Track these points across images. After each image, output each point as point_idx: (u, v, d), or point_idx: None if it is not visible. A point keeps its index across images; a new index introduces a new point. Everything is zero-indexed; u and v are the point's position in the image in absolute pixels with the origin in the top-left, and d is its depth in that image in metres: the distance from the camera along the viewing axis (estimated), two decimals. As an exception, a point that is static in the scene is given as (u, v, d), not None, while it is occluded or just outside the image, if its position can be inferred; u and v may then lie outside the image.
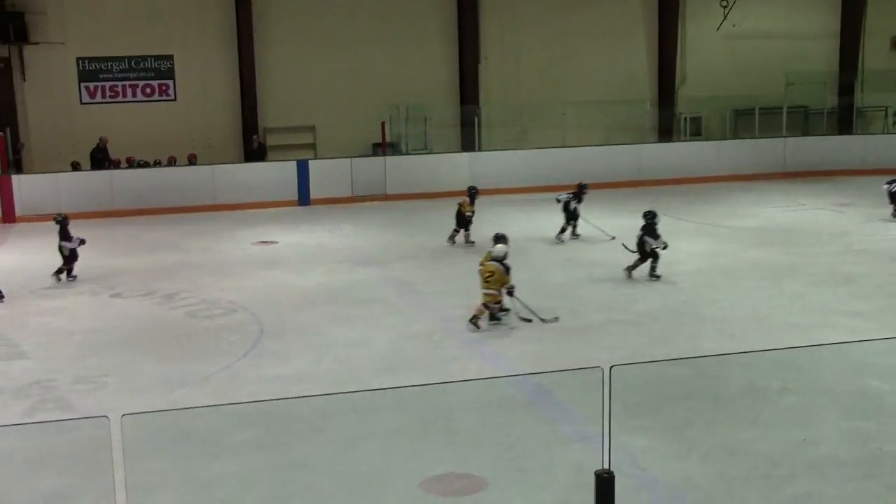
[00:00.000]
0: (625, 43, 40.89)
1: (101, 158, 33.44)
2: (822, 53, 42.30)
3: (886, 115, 41.85)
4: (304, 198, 33.21)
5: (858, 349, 15.35)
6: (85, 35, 35.16)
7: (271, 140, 36.70)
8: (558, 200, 25.41)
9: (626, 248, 21.48)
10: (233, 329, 17.77)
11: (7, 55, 34.07)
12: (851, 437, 12.05)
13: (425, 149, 37.32)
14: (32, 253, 25.26)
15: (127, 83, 36.01)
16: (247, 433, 12.34)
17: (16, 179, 31.32)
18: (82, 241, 22.11)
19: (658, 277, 20.55)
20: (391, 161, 34.71)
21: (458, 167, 34.69)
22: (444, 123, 37.85)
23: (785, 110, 39.13)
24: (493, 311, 17.52)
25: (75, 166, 32.87)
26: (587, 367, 10.05)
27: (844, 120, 41.15)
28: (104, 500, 9.54)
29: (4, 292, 20.38)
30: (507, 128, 38.09)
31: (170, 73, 36.42)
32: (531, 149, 36.37)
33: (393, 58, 37.90)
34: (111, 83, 35.84)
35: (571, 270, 21.57)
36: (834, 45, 42.55)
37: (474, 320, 17.36)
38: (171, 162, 33.88)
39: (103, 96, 35.81)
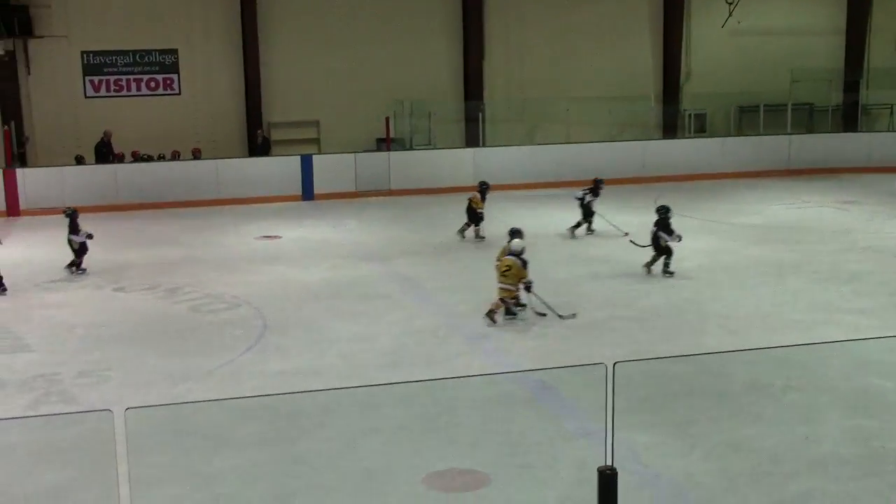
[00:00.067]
0: (629, 39, 40.86)
1: (105, 152, 33.45)
2: (828, 50, 42.27)
3: (892, 112, 41.80)
4: (307, 193, 33.21)
5: (862, 347, 15.35)
6: (89, 29, 35.17)
7: (275, 135, 36.70)
8: (577, 198, 25.42)
9: (636, 244, 21.49)
10: (236, 324, 17.77)
11: (12, 49, 34.05)
12: (854, 435, 12.05)
13: (429, 144, 37.30)
14: (37, 246, 25.30)
15: (131, 77, 36.01)
16: (250, 428, 12.36)
17: (20, 173, 31.34)
18: (89, 236, 22.13)
19: (672, 274, 20.55)
20: (395, 156, 34.68)
21: (461, 163, 34.68)
22: (448, 119, 37.84)
23: (790, 107, 39.11)
24: (509, 306, 17.50)
25: (79, 160, 32.88)
26: (591, 364, 10.05)
27: (849, 117, 41.13)
28: (107, 493, 9.55)
29: (8, 286, 20.40)
30: (511, 124, 38.09)
31: (174, 68, 36.41)
32: (535, 145, 36.38)
33: (397, 53, 37.87)
34: (115, 77, 35.84)
35: (575, 267, 21.56)
36: (839, 42, 42.52)
37: (491, 314, 17.36)
38: (175, 156, 33.87)
39: (108, 90, 35.81)
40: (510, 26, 39.29)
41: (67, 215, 22.21)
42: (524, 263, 17.43)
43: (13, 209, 30.40)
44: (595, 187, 25.48)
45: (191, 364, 15.43)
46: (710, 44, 41.44)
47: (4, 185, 30.54)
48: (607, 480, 7.82)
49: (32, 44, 34.60)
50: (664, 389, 13.50)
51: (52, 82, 35.12)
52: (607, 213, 25.54)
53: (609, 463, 8.29)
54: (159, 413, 12.24)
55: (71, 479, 11.07)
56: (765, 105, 39.95)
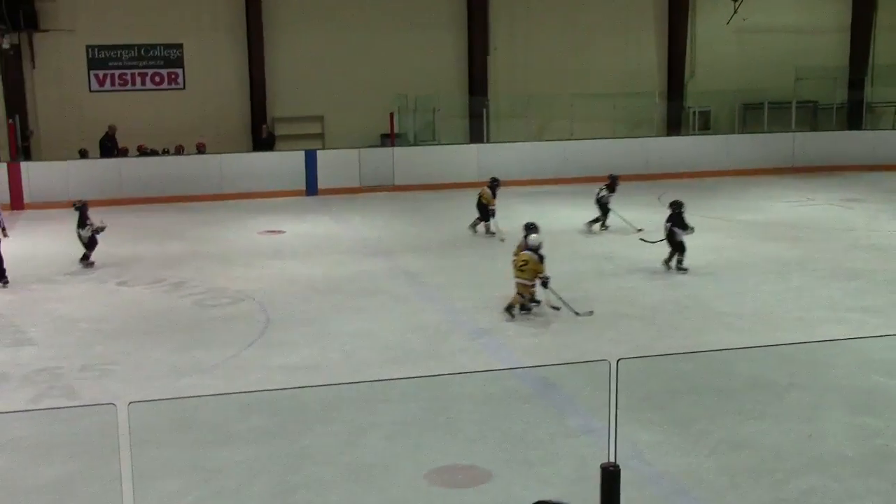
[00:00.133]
0: (634, 35, 40.85)
1: (109, 147, 33.47)
2: (833, 48, 42.23)
3: (896, 110, 41.89)
4: (311, 188, 33.22)
5: (865, 345, 15.36)
6: (95, 23, 35.18)
7: (280, 130, 36.72)
8: (609, 199, 25.46)
9: (646, 241, 21.50)
10: (239, 318, 17.79)
11: (17, 42, 34.08)
12: (857, 433, 12.04)
13: (433, 140, 37.33)
14: (40, 240, 25.34)
15: (136, 71, 36.03)
16: (253, 422, 12.37)
17: (24, 167, 31.36)
18: (99, 229, 22.12)
19: (685, 270, 20.56)
20: (399, 152, 34.68)
21: (466, 159, 34.70)
22: (452, 115, 37.86)
23: (794, 105, 39.11)
24: (524, 301, 17.51)
25: (83, 154, 32.90)
26: (594, 361, 10.05)
27: (854, 115, 41.10)
28: (110, 487, 9.55)
29: (12, 279, 20.43)
30: (515, 120, 38.08)
31: (179, 62, 36.42)
32: (539, 141, 36.38)
33: (402, 49, 37.87)
34: (120, 71, 35.86)
35: (579, 263, 21.55)
36: (844, 39, 42.46)
37: (510, 309, 17.36)
38: (179, 151, 33.89)
39: (112, 84, 35.83)
40: (515, 22, 39.29)
41: (77, 208, 22.24)
42: (541, 259, 17.42)
43: (17, 203, 30.40)
44: (611, 183, 25.51)
45: (194, 358, 15.44)
46: (714, 41, 41.41)
47: (9, 178, 30.55)
48: (610, 477, 7.83)
49: (37, 37, 34.64)
50: (667, 386, 13.51)
51: (56, 76, 35.16)
52: (618, 210, 25.53)
53: (612, 460, 8.30)
54: (162, 407, 12.28)
55: (74, 472, 11.08)
56: (769, 102, 39.94)
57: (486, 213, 25.07)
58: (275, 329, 17.03)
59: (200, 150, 34.01)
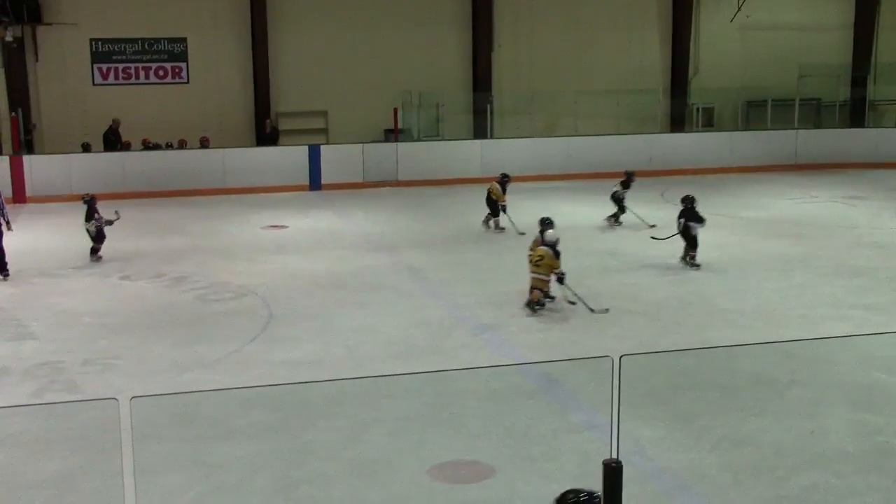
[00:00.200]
0: (638, 32, 40.84)
1: (113, 140, 33.50)
2: (836, 46, 42.24)
3: (900, 108, 41.91)
4: (315, 183, 33.24)
5: (867, 342, 15.34)
6: (98, 16, 35.19)
7: (283, 124, 36.73)
8: (623, 195, 25.47)
9: (657, 238, 21.49)
10: (242, 313, 17.78)
11: (20, 35, 34.08)
12: (859, 430, 12.04)
13: (437, 136, 37.35)
14: (42, 234, 25.35)
15: (140, 65, 36.04)
16: (255, 417, 12.37)
17: (27, 160, 31.40)
18: (108, 222, 22.11)
19: (698, 266, 20.57)
20: (403, 147, 34.70)
21: (469, 155, 34.75)
22: (456, 110, 37.87)
23: (797, 102, 39.12)
24: (539, 297, 17.50)
25: (86, 148, 32.92)
26: (597, 357, 10.04)
27: (857, 113, 41.14)
28: (111, 482, 9.55)
29: (14, 273, 20.45)
30: (519, 116, 38.08)
31: (183, 56, 36.44)
32: (543, 137, 36.38)
33: (406, 44, 37.88)
34: (124, 65, 35.87)
35: (582, 259, 21.51)
36: (847, 37, 42.48)
37: (531, 305, 17.36)
38: (182, 145, 33.90)
39: (116, 78, 35.84)
40: (520, 18, 39.28)
41: (86, 202, 22.24)
42: (557, 254, 17.41)
43: (19, 196, 30.42)
44: (626, 180, 25.53)
45: (196, 353, 15.44)
46: (718, 38, 41.41)
47: (11, 172, 30.56)
48: (612, 473, 7.81)
49: (41, 31, 34.65)
50: (670, 383, 13.50)
51: (60, 69, 35.17)
52: (611, 208, 25.53)
53: (614, 456, 8.29)
54: (164, 402, 12.27)
55: (75, 467, 11.08)
56: (772, 100, 39.95)
57: (495, 208, 25.09)
58: (277, 324, 17.02)
59: (204, 144, 34.02)
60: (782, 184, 33.31)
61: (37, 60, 34.92)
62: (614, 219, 25.36)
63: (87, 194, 22.63)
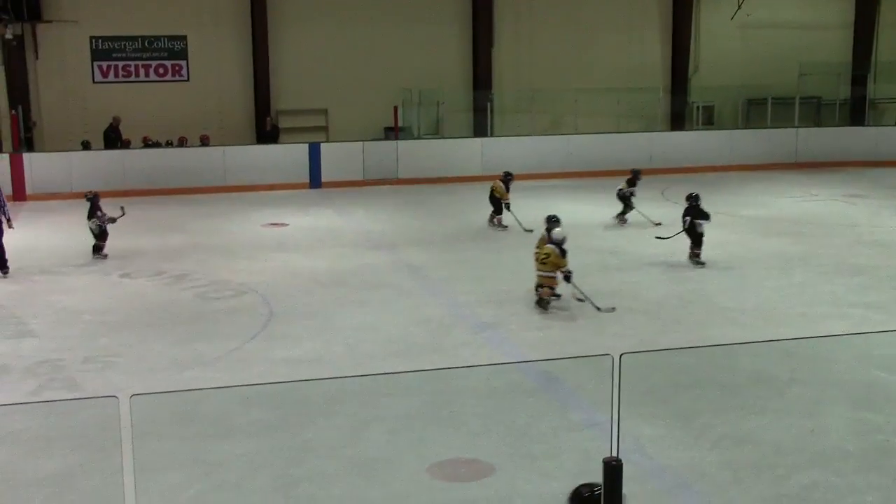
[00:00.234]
0: (639, 30, 40.87)
1: (113, 138, 33.50)
2: (836, 44, 42.26)
3: (900, 106, 41.94)
4: (315, 181, 33.24)
5: (868, 340, 15.33)
6: (98, 14, 35.20)
7: (283, 122, 36.74)
8: (629, 193, 25.47)
9: (662, 238, 21.48)
10: (242, 311, 17.78)
11: (20, 33, 34.08)
12: (859, 428, 12.04)
13: (437, 134, 37.37)
14: (42, 231, 25.35)
15: (140, 63, 36.05)
16: (255, 415, 12.37)
17: (27, 158, 31.39)
18: (111, 220, 22.14)
19: (703, 264, 20.59)
20: (403, 145, 34.70)
21: (470, 152, 34.76)
22: (456, 108, 37.90)
23: (797, 101, 39.12)
24: (544, 295, 17.51)
25: (86, 145, 32.93)
26: (597, 355, 10.04)
27: (857, 111, 41.15)
28: (111, 480, 9.55)
29: (13, 270, 20.47)
30: (519, 114, 38.10)
31: (183, 54, 36.45)
32: (543, 135, 36.37)
33: (406, 42, 37.90)
34: (124, 63, 35.88)
35: (582, 257, 21.46)
36: (848, 35, 42.49)
37: (541, 303, 17.37)
38: (182, 143, 33.90)
39: (116, 76, 35.85)
40: (520, 16, 39.30)
41: (88, 199, 22.27)
42: (563, 253, 17.40)
43: (19, 194, 30.40)
44: (632, 178, 25.51)
45: (196, 351, 15.44)
46: (718, 36, 41.45)
47: (11, 169, 30.54)
48: (612, 471, 7.81)
49: (41, 28, 34.65)
50: (670, 381, 13.50)
51: (60, 67, 35.19)
52: (613, 206, 25.52)
53: (615, 454, 8.29)
54: (164, 400, 12.26)
55: (75, 465, 11.07)
56: (773, 98, 39.97)
57: (499, 206, 25.11)
58: (278, 322, 17.02)
59: (205, 142, 34.03)
60: (782, 182, 33.31)
61: (37, 58, 34.93)
62: (621, 217, 25.36)
63: (90, 192, 22.65)
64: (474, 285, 19.42)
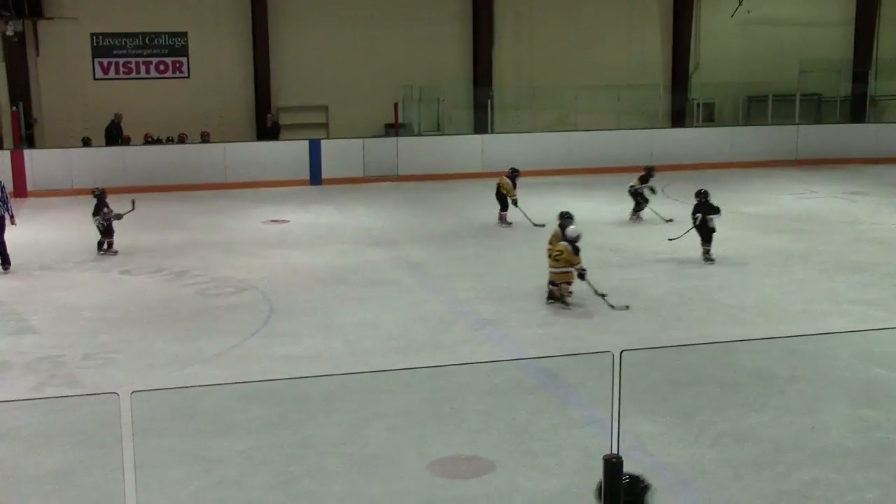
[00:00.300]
0: (639, 28, 40.80)
1: (115, 135, 33.49)
2: (837, 41, 42.19)
3: (901, 103, 41.91)
4: (315, 177, 33.22)
5: (868, 337, 15.34)
6: (99, 10, 35.17)
7: (284, 119, 36.70)
8: (642, 190, 25.47)
9: (673, 238, 21.46)
10: (243, 308, 17.79)
11: (21, 30, 34.04)
12: (859, 426, 12.05)
13: (438, 130, 37.35)
14: (43, 228, 25.35)
15: (140, 59, 36.03)
16: (255, 412, 12.37)
17: (28, 154, 31.37)
18: (118, 216, 22.17)
19: (713, 261, 20.65)
20: (403, 142, 34.67)
21: (470, 149, 34.74)
22: (456, 105, 37.86)
23: (798, 98, 39.07)
24: (555, 292, 17.51)
25: (86, 142, 32.91)
26: (597, 352, 10.05)
27: (857, 108, 41.09)
28: (112, 476, 9.55)
29: (14, 266, 20.50)
30: (520, 111, 38.09)
31: (184, 51, 36.42)
32: (543, 132, 36.33)
33: (407, 39, 37.85)
34: (125, 59, 35.86)
35: (584, 254, 21.33)
36: (848, 32, 42.43)
37: (562, 299, 17.40)
38: (182, 139, 33.89)
39: (117, 72, 35.83)
40: (520, 13, 39.25)
41: (96, 196, 22.33)
42: (576, 250, 17.38)
43: (20, 191, 30.38)
44: (644, 175, 25.55)
45: (197, 347, 15.45)
46: (719, 33, 41.38)
47: (12, 166, 30.53)
48: (613, 469, 7.80)
49: (42, 25, 34.64)
50: (670, 378, 13.50)
51: (60, 64, 35.17)
52: (613, 202, 25.58)
53: (615, 451, 8.28)
54: (165, 396, 12.27)
55: (75, 462, 11.08)
56: (773, 95, 39.89)
57: (505, 202, 25.13)
58: (278, 319, 17.04)
59: (205, 139, 34.03)
60: (783, 179, 33.29)
61: (38, 55, 34.92)
62: (635, 214, 25.38)
63: (97, 188, 22.71)
64: (475, 282, 19.42)
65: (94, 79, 35.64)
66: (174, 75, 36.41)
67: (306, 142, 33.62)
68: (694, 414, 12.40)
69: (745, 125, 40.12)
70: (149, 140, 33.80)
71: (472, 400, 12.81)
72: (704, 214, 20.68)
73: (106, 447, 10.42)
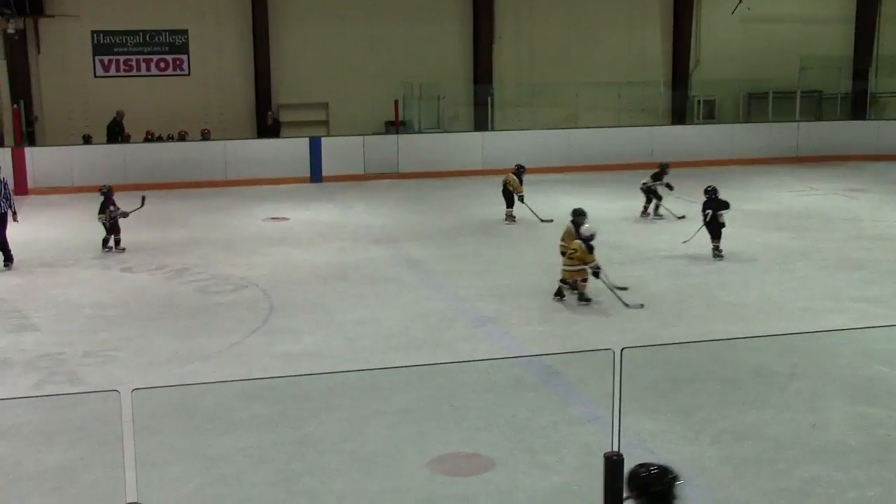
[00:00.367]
0: (640, 24, 40.79)
1: (117, 132, 33.50)
2: (837, 38, 42.19)
3: (901, 100, 41.90)
4: (316, 175, 33.22)
5: (869, 335, 15.35)
6: (100, 8, 35.18)
7: (284, 116, 36.68)
8: (655, 187, 25.47)
9: (687, 240, 21.46)
10: (243, 305, 17.79)
11: (22, 27, 34.01)
12: (860, 423, 12.04)
13: (438, 128, 37.34)
14: (44, 225, 25.34)
15: (141, 57, 36.04)
16: (256, 409, 12.37)
17: (28, 152, 31.37)
18: (124, 214, 22.21)
19: (722, 257, 20.70)
20: (404, 139, 34.67)
21: (470, 147, 34.73)
22: (457, 103, 37.87)
23: (798, 95, 39.09)
24: (564, 288, 17.54)
25: (87, 139, 32.92)
26: (598, 350, 10.05)
27: (858, 105, 41.11)
28: (112, 473, 9.55)
29: (15, 264, 20.55)
30: (520, 108, 38.10)
31: (184, 48, 36.42)
32: (544, 129, 36.31)
33: (407, 36, 37.85)
34: (125, 57, 35.87)
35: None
36: (849, 29, 42.43)
37: (583, 300, 17.39)
38: (183, 136, 33.89)
39: (117, 70, 35.84)
40: (521, 10, 39.24)
41: (103, 193, 22.40)
42: (591, 249, 17.35)
43: (21, 188, 30.36)
44: (657, 172, 25.57)
45: (197, 345, 15.44)
46: (719, 30, 41.38)
47: (13, 164, 30.51)
48: (613, 466, 7.81)
49: (43, 23, 34.65)
50: (671, 375, 13.50)
51: (61, 62, 35.19)
52: (613, 200, 25.56)
53: (615, 448, 8.29)
54: (165, 394, 12.28)
55: (76, 459, 11.08)
56: (774, 92, 39.90)
57: (511, 199, 25.15)
58: (278, 316, 17.03)
59: (205, 136, 34.04)
60: (783, 176, 33.28)
61: (38, 52, 34.94)
62: (654, 211, 25.42)
63: (105, 185, 22.75)
64: (475, 279, 19.42)
65: (95, 76, 35.66)
66: (175, 73, 36.42)
67: (307, 139, 33.61)
68: (694, 411, 12.40)
69: (746, 122, 40.14)
70: (149, 137, 33.80)
71: (472, 397, 12.81)
72: (714, 210, 20.70)
73: (106, 444, 10.42)
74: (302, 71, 37.18)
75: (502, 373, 13.90)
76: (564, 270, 17.51)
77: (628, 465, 7.47)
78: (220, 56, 36.68)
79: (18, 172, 30.52)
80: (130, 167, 31.62)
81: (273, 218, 26.56)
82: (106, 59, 35.68)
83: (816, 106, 41.54)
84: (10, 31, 33.36)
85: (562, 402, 12.96)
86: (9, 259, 20.58)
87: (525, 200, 25.01)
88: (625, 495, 7.08)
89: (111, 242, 22.25)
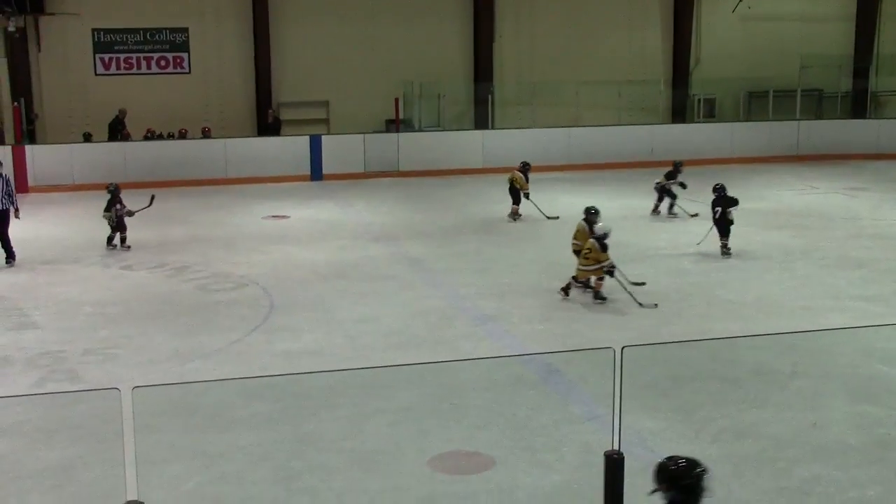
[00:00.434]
0: (640, 23, 40.78)
1: (119, 130, 33.50)
2: (838, 36, 42.18)
3: (901, 99, 41.89)
4: (316, 173, 33.23)
5: (869, 334, 15.36)
6: (100, 6, 35.19)
7: (285, 114, 36.69)
8: (669, 186, 25.49)
9: (700, 242, 21.45)
10: (243, 303, 17.78)
11: (23, 25, 34.01)
12: (860, 422, 12.04)
13: (438, 126, 37.32)
14: (44, 223, 25.34)
15: (142, 55, 36.05)
16: (256, 407, 12.37)
17: (29, 150, 31.40)
18: (124, 213, 22.19)
19: (730, 255, 20.79)
20: (404, 138, 34.69)
21: (471, 145, 34.74)
22: (457, 101, 37.85)
23: (799, 93, 39.09)
24: (573, 285, 17.56)
25: (87, 137, 32.93)
26: (598, 348, 10.03)
27: (858, 104, 41.11)
28: (112, 471, 9.55)
29: (16, 261, 20.58)
30: (521, 106, 38.10)
31: (185, 46, 36.42)
32: (544, 128, 36.30)
33: (407, 34, 37.85)
34: (126, 55, 35.88)
35: (583, 250, 21.58)
36: (849, 28, 42.42)
37: (597, 296, 17.42)
38: (183, 134, 33.88)
39: (118, 68, 35.85)
40: (521, 8, 39.24)
41: (110, 191, 22.42)
42: (604, 248, 17.34)
43: (22, 186, 30.32)
44: (671, 171, 25.58)
45: (198, 343, 15.44)
46: (720, 29, 41.37)
47: (13, 161, 30.50)
48: (614, 465, 7.81)
49: (43, 20, 34.65)
50: (671, 374, 13.50)
51: (62, 59, 35.19)
52: (613, 198, 25.54)
53: (616, 447, 8.29)
54: (165, 392, 12.28)
55: (76, 457, 11.08)
56: (774, 91, 39.90)
57: (518, 197, 25.17)
58: (278, 314, 17.03)
59: (206, 134, 34.04)
60: (784, 175, 33.28)
61: (39, 50, 34.94)
62: (668, 209, 25.44)
63: (112, 184, 22.76)
64: (475, 278, 19.42)
65: (96, 74, 35.66)
66: (175, 71, 36.43)
67: (307, 137, 33.61)
68: (695, 410, 12.40)
69: (746, 121, 40.16)
70: (150, 135, 33.81)
71: (472, 396, 12.81)
72: (724, 208, 20.73)
73: (107, 442, 10.42)
74: (302, 69, 37.19)
75: (503, 371, 13.91)
76: (580, 270, 17.52)
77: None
78: (221, 54, 36.69)
79: (19, 170, 30.52)
80: (131, 165, 31.63)
81: (273, 216, 26.56)
82: (106, 57, 35.69)
83: (817, 104, 41.55)
84: (11, 28, 33.36)
85: (562, 400, 12.96)
86: (11, 256, 20.64)
87: (531, 197, 25.00)
88: (653, 488, 7.09)
89: (116, 240, 22.26)
